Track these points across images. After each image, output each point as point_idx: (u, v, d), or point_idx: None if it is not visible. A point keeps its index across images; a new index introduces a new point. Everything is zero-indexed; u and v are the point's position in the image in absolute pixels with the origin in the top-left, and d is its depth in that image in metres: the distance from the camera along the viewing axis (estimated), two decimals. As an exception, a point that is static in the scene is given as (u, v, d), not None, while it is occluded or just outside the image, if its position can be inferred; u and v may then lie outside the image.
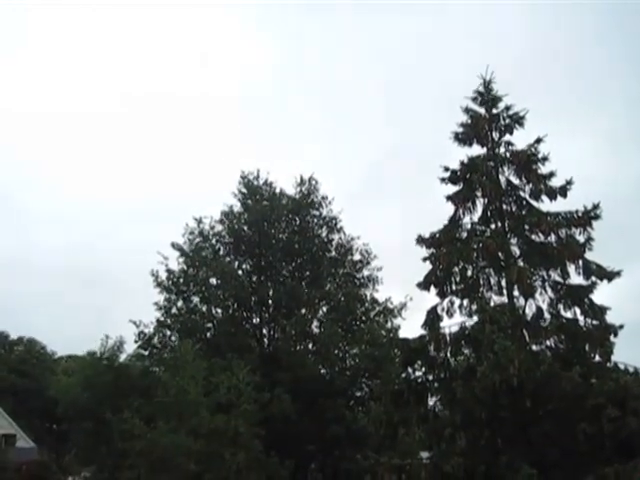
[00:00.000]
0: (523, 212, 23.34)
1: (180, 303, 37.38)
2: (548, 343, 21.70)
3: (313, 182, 39.17)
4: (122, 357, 34.02)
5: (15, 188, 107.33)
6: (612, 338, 20.85)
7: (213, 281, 37.56)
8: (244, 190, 39.09)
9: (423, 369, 23.48)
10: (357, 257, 38.79)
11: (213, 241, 38.80)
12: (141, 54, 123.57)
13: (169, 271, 37.41)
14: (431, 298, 23.72)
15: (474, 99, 24.58)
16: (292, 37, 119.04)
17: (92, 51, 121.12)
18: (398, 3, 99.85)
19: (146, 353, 35.74)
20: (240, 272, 38.28)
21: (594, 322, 21.37)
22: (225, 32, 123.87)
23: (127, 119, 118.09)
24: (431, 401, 23.25)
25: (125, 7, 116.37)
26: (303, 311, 37.07)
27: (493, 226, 23.72)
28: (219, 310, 37.71)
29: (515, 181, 23.72)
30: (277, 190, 39.30)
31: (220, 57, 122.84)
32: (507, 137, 24.20)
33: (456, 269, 23.43)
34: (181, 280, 37.34)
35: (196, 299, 37.64)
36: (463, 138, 24.30)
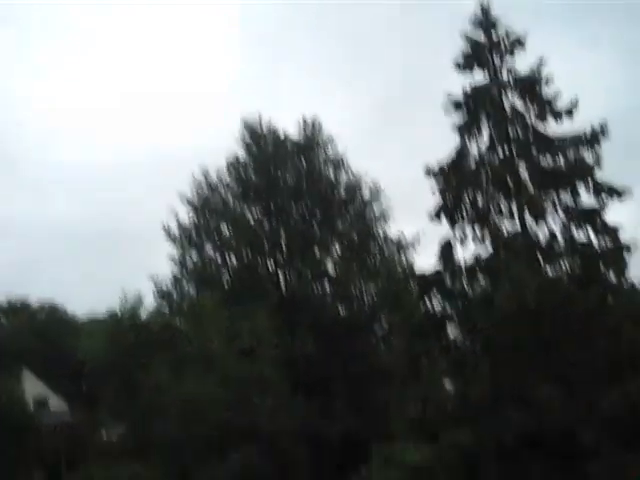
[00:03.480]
0: (529, 137, 23.10)
1: (194, 255, 37.59)
2: (563, 266, 21.75)
3: (316, 123, 38.83)
4: (143, 314, 34.38)
5: (25, 155, 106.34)
6: (626, 257, 20.89)
7: (225, 230, 37.68)
8: (247, 137, 38.82)
9: (441, 300, 23.64)
10: (367, 194, 38.68)
11: (221, 190, 38.75)
12: None
13: (180, 224, 37.54)
14: (443, 230, 23.71)
15: (473, 24, 24.08)
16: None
17: None
18: None
19: (166, 308, 36.15)
20: (251, 218, 38.31)
21: (607, 242, 21.38)
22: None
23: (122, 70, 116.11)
24: (451, 332, 23.49)
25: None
26: (317, 252, 37.21)
27: (500, 153, 23.52)
28: (233, 258, 37.89)
29: (520, 106, 23.41)
30: (281, 134, 39.00)
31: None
32: (509, 60, 23.74)
33: (466, 198, 23.34)
34: (193, 232, 37.49)
35: (210, 249, 37.82)
36: (465, 65, 23.89)
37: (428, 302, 24.05)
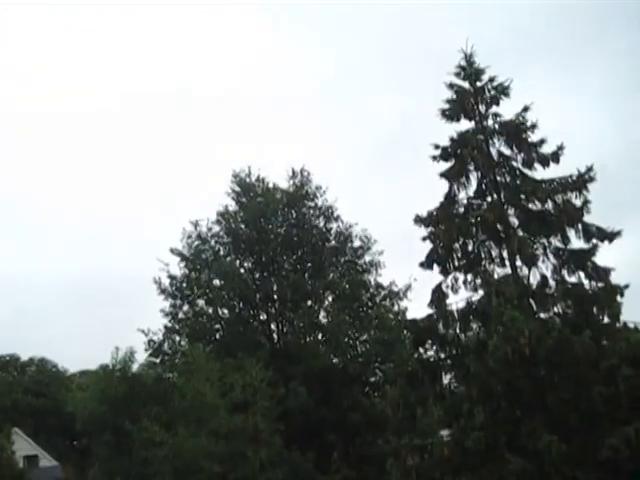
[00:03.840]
0: (517, 182, 23.36)
1: (186, 307, 37.49)
2: (556, 310, 21.74)
3: (305, 173, 39.26)
4: (134, 367, 34.11)
5: (18, 206, 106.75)
6: (619, 298, 20.89)
7: (216, 282, 37.65)
8: (237, 188, 39.12)
9: (434, 348, 23.56)
10: (357, 243, 38.89)
11: (212, 242, 38.87)
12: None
13: (171, 277, 37.49)
14: (435, 277, 23.77)
15: (457, 74, 24.50)
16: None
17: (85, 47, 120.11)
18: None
19: (158, 360, 35.85)
20: (242, 270, 38.33)
21: (599, 284, 21.42)
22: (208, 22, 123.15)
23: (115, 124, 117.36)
24: (446, 379, 23.35)
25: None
26: (309, 303, 37.23)
27: (489, 199, 23.70)
28: (225, 310, 37.82)
29: (506, 152, 23.70)
30: (270, 185, 39.35)
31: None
32: (494, 109, 24.16)
33: (457, 245, 23.45)
34: (184, 285, 37.43)
35: (201, 302, 37.77)
36: (450, 114, 24.25)
37: (421, 349, 24.01)
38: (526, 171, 23.30)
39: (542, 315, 21.87)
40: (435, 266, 23.70)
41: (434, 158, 24.14)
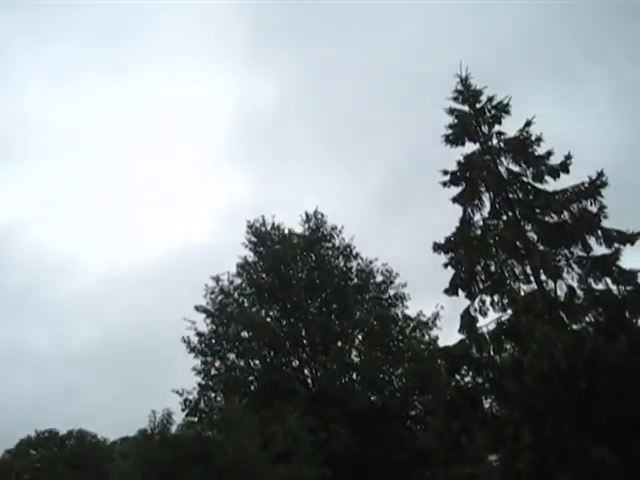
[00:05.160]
0: (530, 197, 23.34)
1: (217, 363, 37.33)
2: (587, 319, 21.52)
3: (319, 215, 39.36)
4: (173, 428, 33.89)
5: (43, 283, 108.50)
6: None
7: (245, 334, 37.54)
8: (253, 239, 39.27)
9: (470, 373, 23.33)
10: (380, 279, 38.69)
11: (235, 295, 38.84)
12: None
13: (199, 334, 37.45)
14: (461, 302, 23.68)
15: (455, 98, 24.77)
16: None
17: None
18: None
19: (195, 419, 35.64)
20: (269, 319, 38.22)
21: (628, 288, 21.20)
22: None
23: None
24: (486, 403, 23.05)
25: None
26: (339, 343, 36.95)
27: (505, 217, 23.72)
28: (257, 361, 37.61)
29: (515, 168, 23.80)
30: (286, 231, 39.47)
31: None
32: (497, 128, 24.31)
33: (479, 267, 23.42)
34: (213, 340, 37.35)
35: (232, 355, 37.58)
36: (454, 139, 24.44)
37: (457, 376, 23.77)
38: (537, 185, 23.33)
39: (574, 326, 21.66)
40: (460, 291, 23.65)
41: (444, 184, 24.26)
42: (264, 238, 39.11)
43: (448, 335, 29.36)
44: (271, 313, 38.77)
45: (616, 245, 21.61)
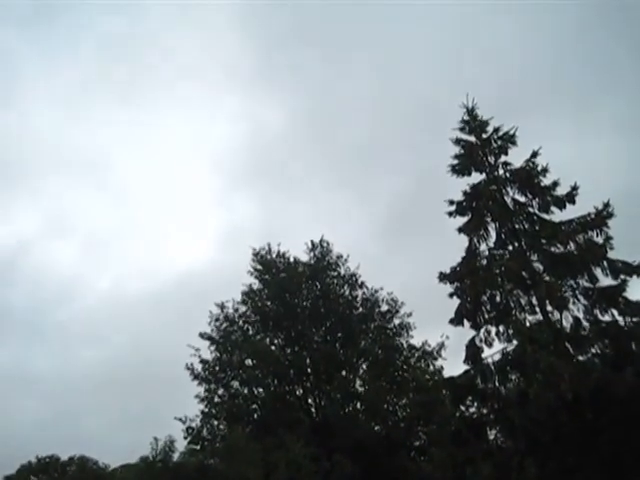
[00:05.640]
0: (536, 227, 23.38)
1: (221, 391, 37.15)
2: (593, 350, 21.42)
3: (325, 244, 39.40)
4: (175, 456, 33.69)
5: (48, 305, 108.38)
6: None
7: (249, 362, 37.41)
8: (259, 267, 39.29)
9: (475, 404, 23.21)
10: (385, 308, 38.61)
11: (240, 323, 38.76)
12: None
13: (203, 361, 37.31)
14: (466, 332, 23.62)
15: (462, 129, 24.95)
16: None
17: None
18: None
19: (198, 447, 35.41)
20: (273, 348, 38.11)
21: (634, 319, 21.14)
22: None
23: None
24: (491, 434, 22.90)
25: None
26: (343, 373, 36.79)
27: (510, 247, 23.75)
28: (261, 389, 37.42)
29: (521, 199, 23.87)
30: (291, 259, 39.49)
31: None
32: (503, 158, 24.44)
33: (484, 297, 23.38)
34: (217, 368, 37.20)
35: (236, 383, 37.41)
36: (460, 169, 24.56)
37: (462, 407, 23.65)
38: (543, 215, 23.39)
39: (580, 358, 21.56)
40: (465, 321, 23.58)
41: (450, 214, 24.33)
42: (269, 266, 39.12)
43: (453, 365, 29.28)
44: (275, 341, 38.66)
45: (622, 276, 21.59)
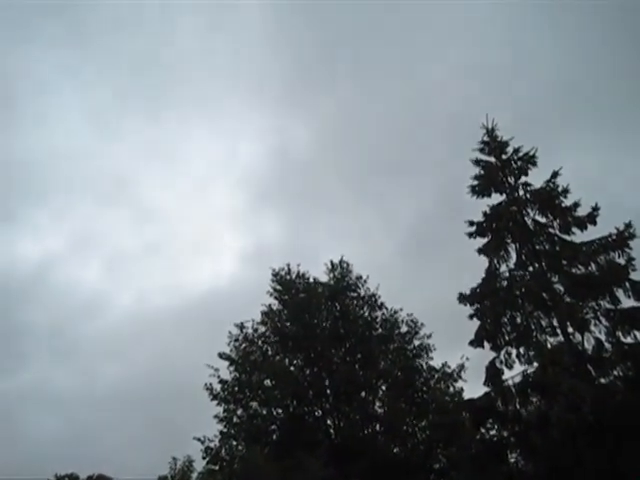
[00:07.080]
0: (557, 248, 23.27)
1: (240, 411, 37.05)
2: (615, 373, 21.19)
3: (344, 265, 39.40)
4: (193, 476, 33.67)
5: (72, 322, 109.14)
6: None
7: (268, 383, 37.34)
8: (278, 287, 39.32)
9: (496, 426, 23.00)
10: (404, 329, 38.43)
11: (259, 343, 38.75)
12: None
13: (222, 382, 37.31)
14: (487, 354, 23.48)
15: (481, 150, 24.99)
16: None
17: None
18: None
19: (216, 467, 35.31)
20: (292, 368, 38.03)
21: (658, 342, 20.92)
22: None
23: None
24: (511, 457, 22.64)
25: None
26: (363, 394, 36.58)
27: (531, 268, 23.64)
28: (279, 410, 37.30)
29: (542, 220, 23.81)
30: (311, 280, 39.49)
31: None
32: (523, 179, 24.43)
33: (505, 319, 23.26)
34: (236, 388, 37.16)
35: (254, 404, 37.32)
36: (480, 190, 24.58)
37: (482, 430, 23.44)
38: (564, 236, 23.28)
39: (602, 380, 21.32)
40: (485, 343, 23.45)
41: (470, 235, 24.31)
42: (289, 286, 39.14)
43: (473, 387, 29.02)
44: (295, 362, 38.56)
45: (645, 297, 21.40)
